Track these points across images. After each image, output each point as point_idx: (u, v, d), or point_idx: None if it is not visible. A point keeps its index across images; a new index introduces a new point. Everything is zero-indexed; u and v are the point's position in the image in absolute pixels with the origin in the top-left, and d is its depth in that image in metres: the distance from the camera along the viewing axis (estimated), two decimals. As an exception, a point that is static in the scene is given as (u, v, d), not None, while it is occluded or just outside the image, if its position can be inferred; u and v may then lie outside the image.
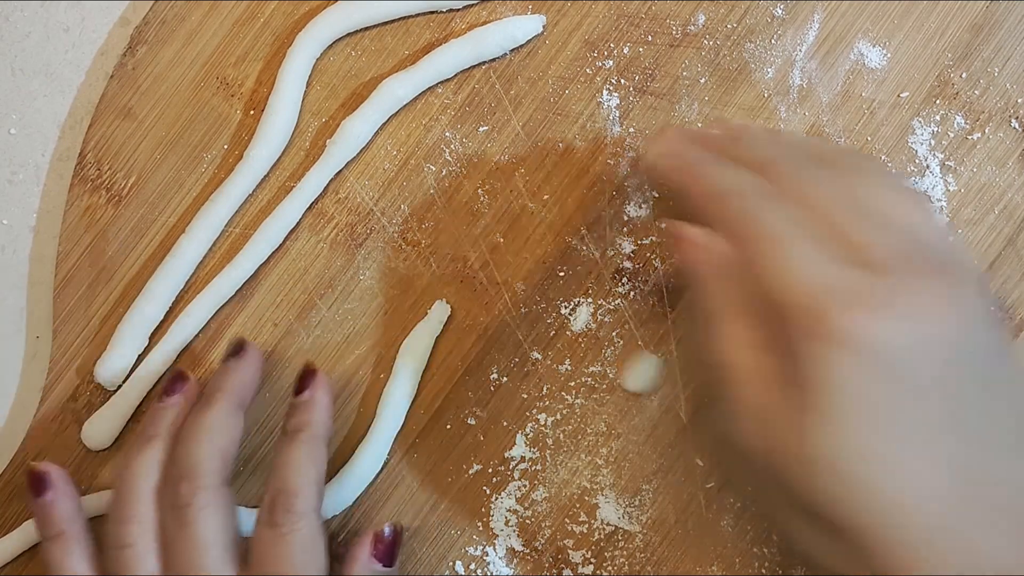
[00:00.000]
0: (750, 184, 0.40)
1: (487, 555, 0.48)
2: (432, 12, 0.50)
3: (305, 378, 0.46)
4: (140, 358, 0.49)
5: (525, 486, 0.48)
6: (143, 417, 0.46)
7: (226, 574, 0.42)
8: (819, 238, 0.38)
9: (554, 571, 0.48)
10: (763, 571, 0.47)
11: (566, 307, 0.49)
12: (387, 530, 0.46)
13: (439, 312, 0.48)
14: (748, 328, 0.38)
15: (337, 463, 0.49)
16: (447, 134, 0.50)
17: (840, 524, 0.36)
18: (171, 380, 0.46)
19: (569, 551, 0.48)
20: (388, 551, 0.45)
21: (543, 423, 0.48)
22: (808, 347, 0.36)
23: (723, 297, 0.39)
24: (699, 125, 0.49)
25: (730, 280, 0.39)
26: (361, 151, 0.49)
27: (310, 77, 0.50)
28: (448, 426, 0.49)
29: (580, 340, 0.49)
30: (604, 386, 0.48)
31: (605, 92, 0.49)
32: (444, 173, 0.50)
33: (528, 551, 0.48)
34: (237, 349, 0.46)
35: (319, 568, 0.43)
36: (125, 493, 0.44)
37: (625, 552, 0.48)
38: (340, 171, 0.49)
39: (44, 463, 0.45)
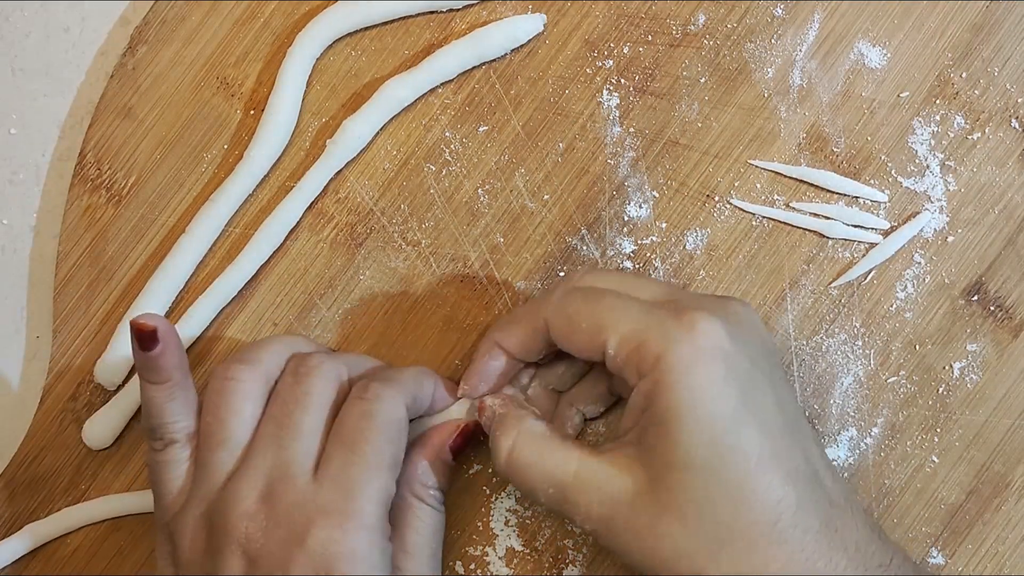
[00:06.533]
0: None
1: (487, 555, 0.48)
2: (432, 12, 0.50)
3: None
4: (140, 358, 0.49)
5: (525, 486, 0.48)
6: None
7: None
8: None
9: (554, 571, 0.48)
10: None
11: (566, 307, 0.49)
12: (466, 425, 0.46)
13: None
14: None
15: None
16: (447, 134, 0.50)
17: None
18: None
19: (569, 551, 0.48)
20: (463, 445, 0.46)
21: (543, 423, 0.48)
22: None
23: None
24: (699, 126, 0.49)
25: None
26: (361, 151, 0.49)
27: (310, 77, 0.50)
28: (448, 426, 0.49)
29: (580, 340, 0.49)
30: (604, 386, 0.48)
31: (605, 92, 0.49)
32: (444, 173, 0.50)
33: (528, 551, 0.48)
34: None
35: (397, 448, 0.43)
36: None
37: (625, 552, 0.48)
38: (340, 171, 0.49)
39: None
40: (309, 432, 0.43)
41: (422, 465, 0.45)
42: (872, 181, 0.49)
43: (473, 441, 0.46)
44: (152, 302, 0.49)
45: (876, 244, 0.48)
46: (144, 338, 0.44)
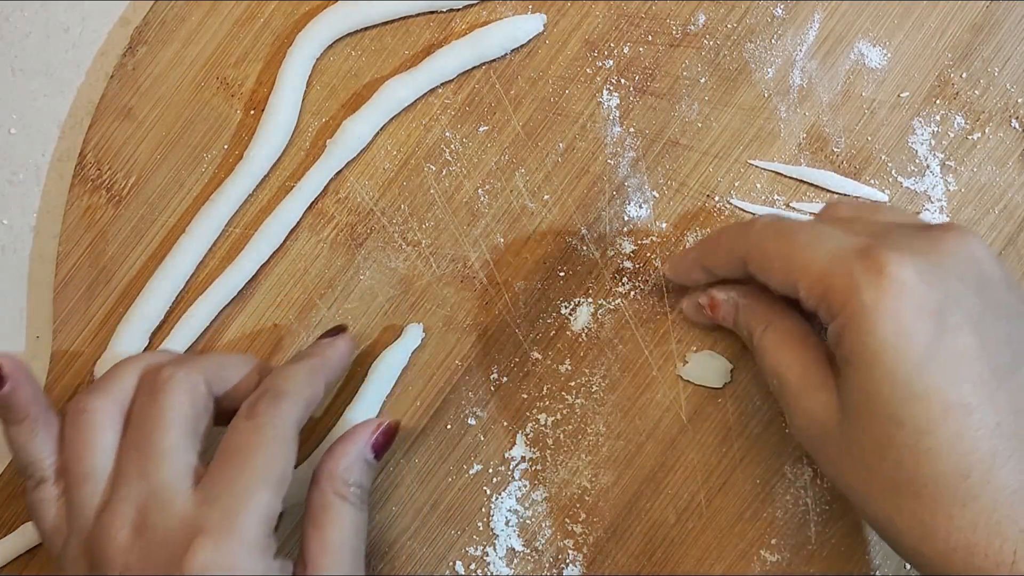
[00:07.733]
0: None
1: (487, 555, 0.48)
2: (432, 12, 0.50)
3: (333, 330, 0.47)
4: (140, 358, 0.49)
5: (525, 486, 0.48)
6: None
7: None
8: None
9: (554, 571, 0.48)
10: (762, 571, 0.47)
11: (566, 307, 0.49)
12: (388, 423, 0.45)
13: (413, 335, 0.49)
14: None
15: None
16: (447, 134, 0.50)
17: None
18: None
19: (569, 551, 0.48)
20: (385, 444, 0.45)
21: (543, 423, 0.48)
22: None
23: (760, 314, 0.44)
24: (699, 126, 0.49)
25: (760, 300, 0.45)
26: (361, 151, 0.49)
27: (310, 77, 0.50)
28: (448, 426, 0.49)
29: (580, 340, 0.49)
30: (604, 386, 0.48)
31: (605, 92, 0.49)
32: (444, 173, 0.50)
33: (528, 551, 0.48)
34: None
35: (285, 463, 0.41)
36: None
37: (625, 552, 0.48)
38: (340, 171, 0.49)
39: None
40: (173, 450, 0.41)
41: (344, 463, 0.43)
42: (872, 181, 0.49)
43: (395, 439, 0.45)
44: (152, 302, 0.49)
45: (876, 244, 0.48)
46: None
